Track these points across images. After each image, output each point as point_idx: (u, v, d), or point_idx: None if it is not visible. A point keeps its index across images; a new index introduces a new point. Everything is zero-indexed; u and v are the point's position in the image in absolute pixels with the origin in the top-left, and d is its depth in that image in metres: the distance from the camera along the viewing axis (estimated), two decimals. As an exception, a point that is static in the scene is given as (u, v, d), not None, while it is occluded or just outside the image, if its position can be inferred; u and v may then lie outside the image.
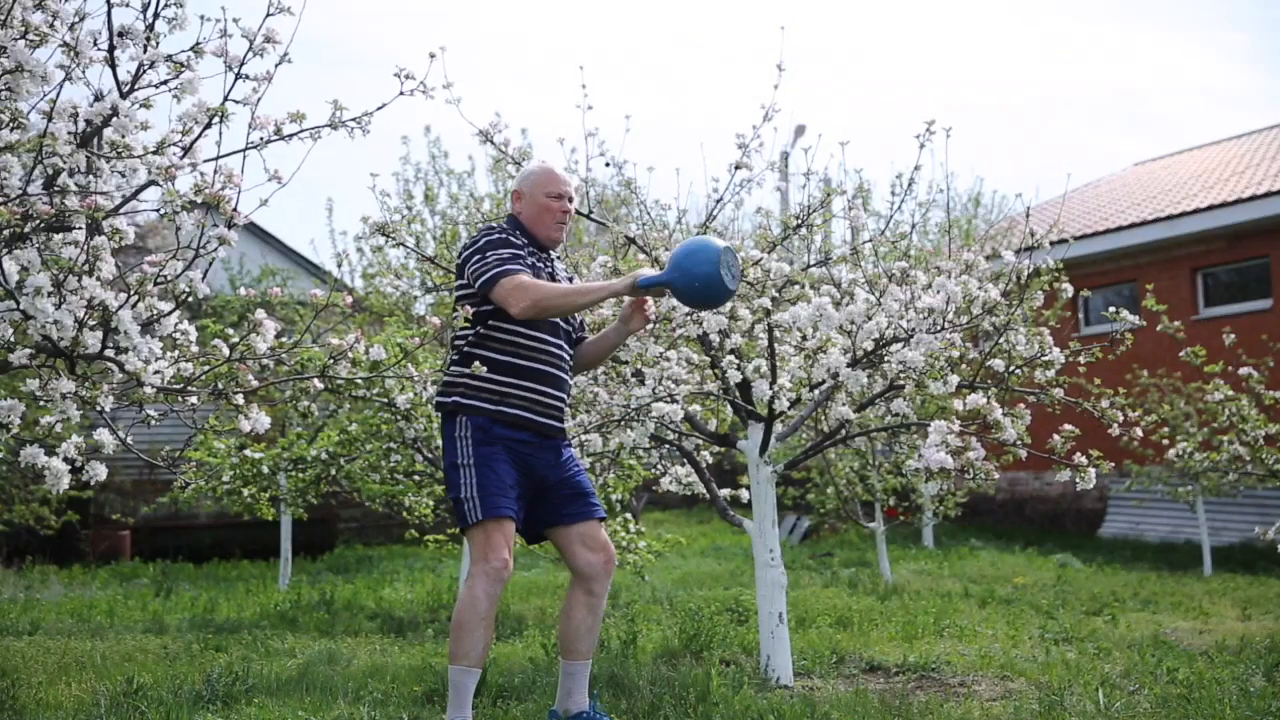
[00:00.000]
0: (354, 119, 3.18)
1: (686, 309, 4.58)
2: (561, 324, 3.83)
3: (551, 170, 3.91)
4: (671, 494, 5.10)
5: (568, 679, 3.79)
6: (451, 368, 3.75)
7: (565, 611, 3.80)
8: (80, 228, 2.90)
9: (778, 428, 4.93)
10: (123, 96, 3.03)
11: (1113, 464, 4.22)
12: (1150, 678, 4.77)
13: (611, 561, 3.77)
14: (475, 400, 3.66)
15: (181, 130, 3.00)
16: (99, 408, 3.07)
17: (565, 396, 3.82)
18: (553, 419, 3.75)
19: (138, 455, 3.36)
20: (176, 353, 3.13)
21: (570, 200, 3.88)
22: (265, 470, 7.99)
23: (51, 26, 2.96)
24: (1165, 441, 8.30)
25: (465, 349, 3.71)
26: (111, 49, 3.04)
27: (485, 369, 3.59)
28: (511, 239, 3.73)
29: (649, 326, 4.05)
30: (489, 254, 3.65)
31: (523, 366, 3.68)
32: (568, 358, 3.85)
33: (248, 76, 3.08)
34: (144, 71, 3.07)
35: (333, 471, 7.97)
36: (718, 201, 5.17)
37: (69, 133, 2.90)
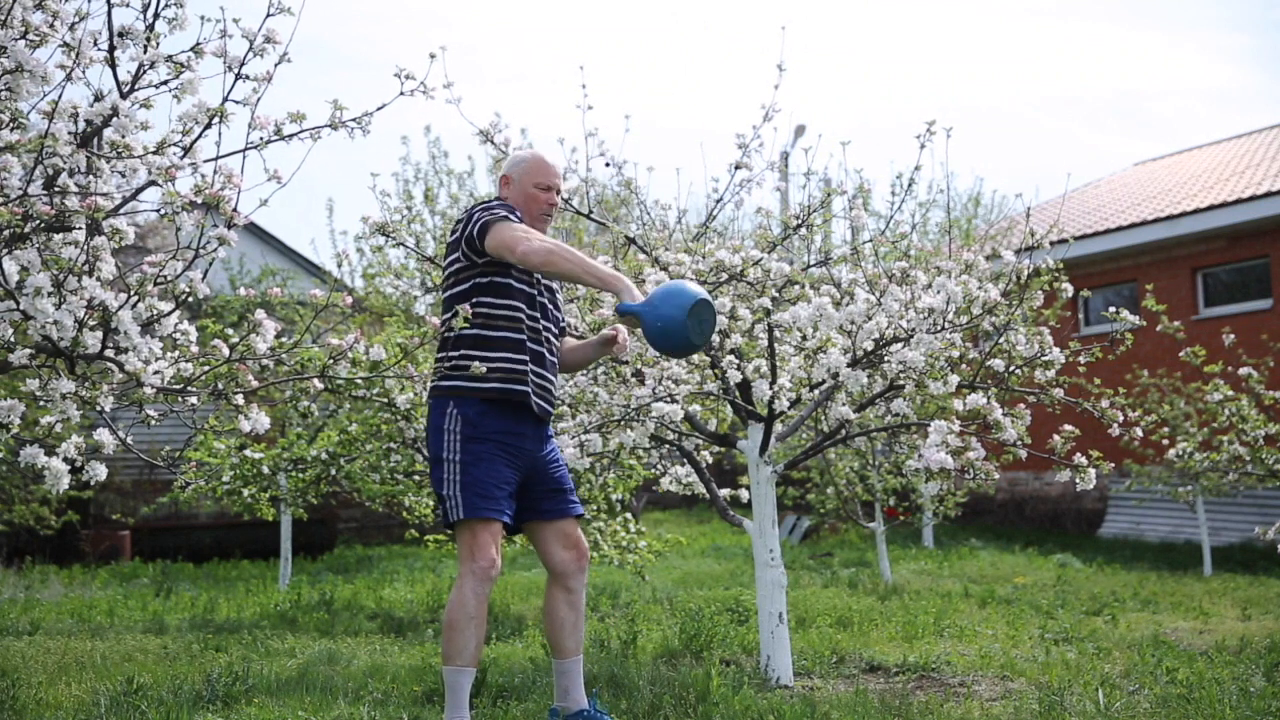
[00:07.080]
0: (354, 119, 3.18)
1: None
2: (553, 310, 3.78)
3: (543, 159, 3.83)
4: (671, 494, 5.11)
5: (562, 677, 3.80)
6: (443, 352, 3.64)
7: (548, 612, 3.81)
8: (80, 228, 2.90)
9: (778, 428, 4.93)
10: (123, 96, 3.04)
11: (1113, 464, 4.22)
12: (1150, 678, 4.77)
13: (584, 558, 3.80)
14: (473, 382, 3.55)
15: (181, 130, 3.01)
16: (99, 408, 3.07)
17: (556, 381, 3.80)
18: (548, 402, 3.73)
19: (138, 455, 3.36)
20: (176, 353, 3.13)
21: (558, 193, 3.82)
22: (265, 470, 7.98)
23: (51, 26, 2.96)
24: (1165, 441, 8.29)
25: (460, 331, 3.57)
26: (111, 49, 3.04)
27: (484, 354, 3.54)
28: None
29: (628, 353, 3.96)
30: (498, 210, 3.59)
31: (523, 343, 3.63)
32: (558, 345, 3.83)
33: (248, 77, 3.08)
34: (144, 71, 3.07)
35: (333, 471, 7.97)
36: (718, 202, 5.17)
37: (69, 133, 2.90)
